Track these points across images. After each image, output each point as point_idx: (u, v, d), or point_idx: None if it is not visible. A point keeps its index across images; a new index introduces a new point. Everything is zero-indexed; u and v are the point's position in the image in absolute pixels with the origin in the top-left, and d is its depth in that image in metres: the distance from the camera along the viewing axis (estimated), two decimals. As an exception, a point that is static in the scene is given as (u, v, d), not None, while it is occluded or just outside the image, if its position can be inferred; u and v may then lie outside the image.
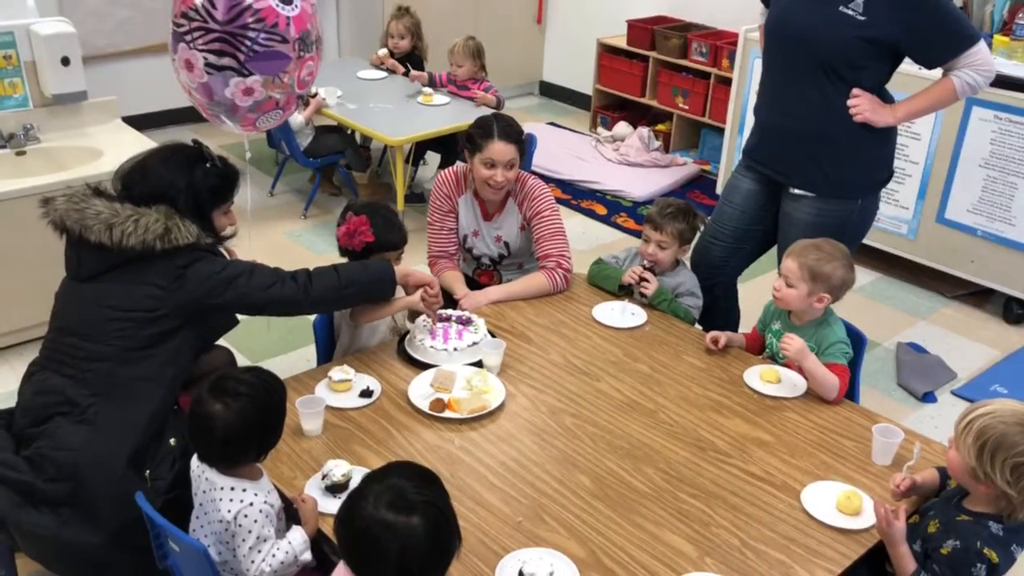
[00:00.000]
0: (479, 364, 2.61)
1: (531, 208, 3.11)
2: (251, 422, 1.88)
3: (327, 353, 2.85)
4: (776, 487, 2.21)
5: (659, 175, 5.62)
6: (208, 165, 2.38)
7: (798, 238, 2.86)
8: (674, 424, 2.42)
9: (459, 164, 3.25)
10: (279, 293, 2.42)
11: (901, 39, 2.72)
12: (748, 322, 3.37)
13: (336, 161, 5.07)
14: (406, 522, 1.49)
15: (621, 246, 5.11)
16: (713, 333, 2.74)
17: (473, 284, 3.22)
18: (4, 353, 3.65)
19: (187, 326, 2.33)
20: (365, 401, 2.44)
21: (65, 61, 3.80)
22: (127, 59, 5.76)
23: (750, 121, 5.03)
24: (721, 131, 5.61)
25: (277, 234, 4.84)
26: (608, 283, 3.06)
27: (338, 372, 2.48)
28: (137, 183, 2.32)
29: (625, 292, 3.03)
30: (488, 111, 4.87)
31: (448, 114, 4.91)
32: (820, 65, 2.78)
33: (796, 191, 2.94)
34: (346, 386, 2.48)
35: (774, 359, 2.72)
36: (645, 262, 3.01)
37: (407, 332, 2.74)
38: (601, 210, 5.23)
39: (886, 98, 2.87)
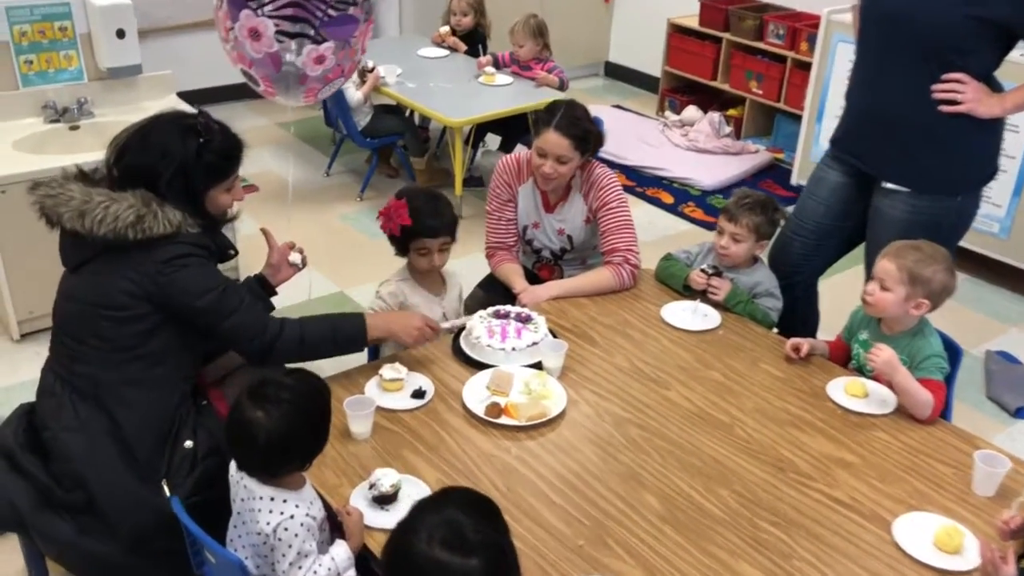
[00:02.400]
0: (538, 366, 2.44)
1: (597, 199, 2.91)
2: (294, 431, 1.73)
3: (377, 347, 2.70)
4: (864, 516, 1.99)
5: (730, 163, 5.36)
6: (202, 140, 2.11)
7: (888, 237, 2.63)
8: (751, 440, 2.22)
9: (521, 150, 3.06)
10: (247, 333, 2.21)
11: (1012, 18, 2.45)
12: (827, 326, 3.15)
13: (395, 142, 4.92)
14: (463, 564, 1.32)
15: (688, 238, 4.98)
16: (794, 340, 2.53)
17: (532, 279, 3.04)
18: (40, 336, 3.55)
19: (172, 324, 2.13)
20: (417, 402, 2.29)
21: (120, 34, 3.71)
22: (184, 33, 5.68)
23: (830, 108, 4.81)
24: (797, 118, 5.32)
25: (331, 217, 4.72)
26: (673, 282, 2.86)
27: (390, 370, 2.33)
28: (119, 161, 2.13)
29: (696, 292, 2.82)
30: (553, 93, 4.69)
31: (510, 95, 4.72)
32: (921, 48, 2.53)
33: (889, 186, 2.69)
34: (398, 385, 2.32)
35: (861, 371, 2.50)
36: (707, 266, 2.78)
37: (462, 328, 2.57)
38: (668, 199, 4.99)
39: (994, 86, 2.61)
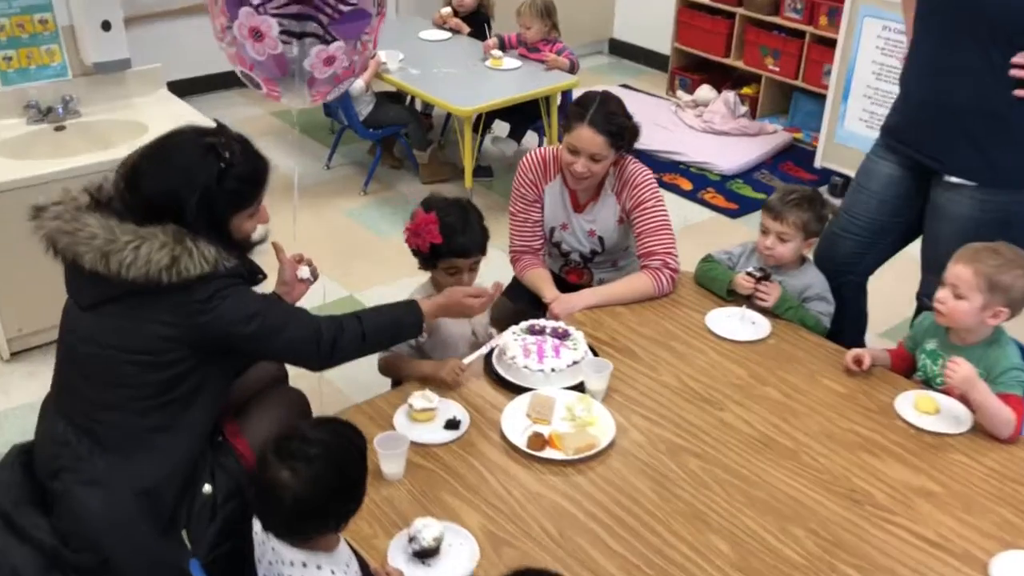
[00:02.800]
0: (580, 387, 2.23)
1: (632, 198, 2.69)
2: (326, 493, 1.52)
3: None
4: (956, 556, 1.81)
5: (747, 144, 5.13)
6: (224, 164, 1.88)
7: (951, 235, 2.43)
8: (821, 469, 2.02)
9: (546, 146, 2.84)
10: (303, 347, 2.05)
11: None
12: (873, 327, 2.96)
13: (398, 132, 4.68)
14: None
15: (710, 227, 4.77)
16: (856, 352, 2.32)
17: (560, 283, 2.83)
18: (32, 355, 3.34)
19: (207, 364, 1.95)
20: (452, 435, 2.08)
21: (106, 26, 3.45)
22: (173, 19, 5.39)
23: (857, 88, 4.56)
24: (816, 96, 5.11)
25: (335, 213, 4.48)
26: (716, 286, 2.65)
27: (419, 399, 2.12)
28: (138, 190, 1.89)
29: (740, 298, 2.61)
30: (563, 76, 4.45)
31: (519, 79, 4.48)
32: (990, 30, 2.30)
33: (952, 179, 2.48)
34: (429, 415, 2.12)
35: (928, 384, 2.30)
36: (754, 269, 2.57)
37: (493, 348, 2.36)
38: (686, 184, 4.77)
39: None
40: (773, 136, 5.25)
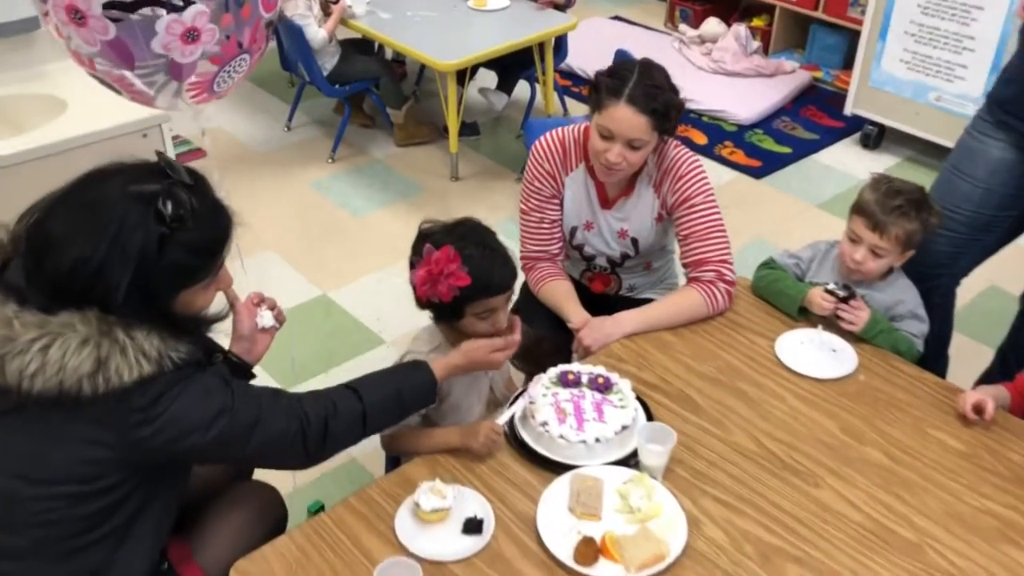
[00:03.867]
0: (629, 459, 1.73)
1: (675, 192, 2.15)
2: None
3: (397, 458, 1.96)
4: None
5: (763, 87, 4.56)
6: (168, 228, 1.34)
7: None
8: (955, 570, 1.55)
9: (564, 128, 2.27)
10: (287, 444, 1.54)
11: None
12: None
13: (368, 87, 4.05)
14: None
15: (734, 190, 4.03)
16: (976, 398, 1.83)
17: (581, 292, 2.30)
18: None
19: (152, 481, 1.45)
20: (473, 543, 1.57)
21: (3, -23, 2.79)
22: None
23: (897, 24, 3.90)
24: (837, 28, 4.54)
25: (299, 185, 3.88)
26: (783, 302, 2.13)
27: (429, 496, 1.60)
28: (46, 261, 1.34)
29: (814, 315, 2.10)
30: (557, 17, 3.83)
31: (508, 23, 3.86)
32: None
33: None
34: (441, 516, 1.61)
35: (1069, 434, 1.82)
36: (835, 286, 2.05)
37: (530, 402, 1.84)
38: (699, 138, 4.20)
39: None
40: (791, 76, 4.67)
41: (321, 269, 3.31)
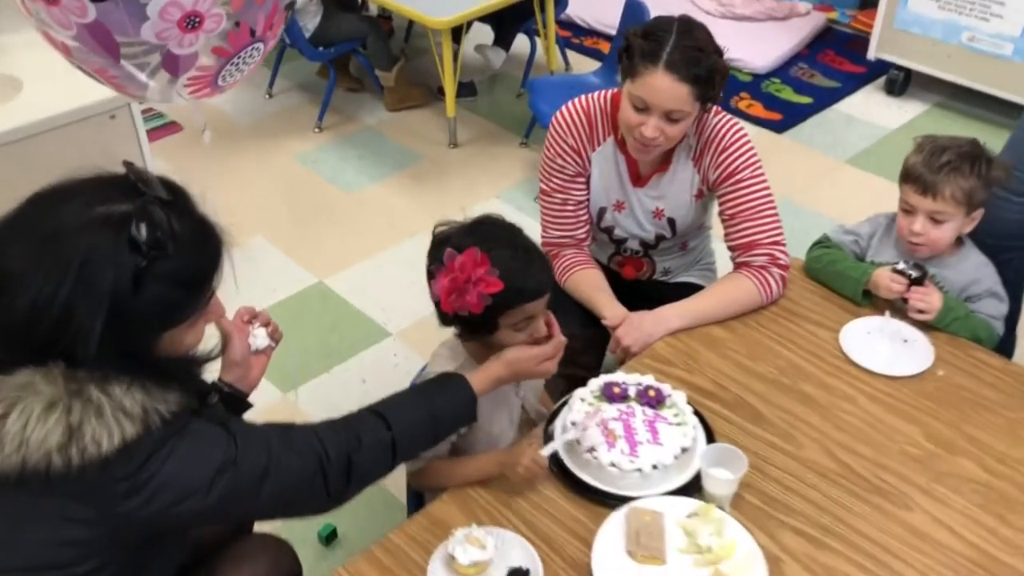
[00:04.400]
0: (690, 485, 1.50)
1: (719, 166, 1.90)
2: None
3: (421, 496, 1.73)
4: None
5: (776, 32, 4.26)
6: (145, 257, 1.09)
7: None
8: (1087, 615, 1.34)
9: (587, 97, 1.99)
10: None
11: None
12: None
13: (355, 48, 3.74)
14: None
15: (756, 144, 3.52)
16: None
17: (611, 280, 2.05)
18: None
19: (146, 549, 1.22)
20: (520, 601, 1.35)
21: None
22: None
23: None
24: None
25: (284, 159, 3.59)
26: (845, 287, 1.89)
27: (464, 546, 1.37)
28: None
29: (879, 298, 1.87)
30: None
31: (504, -28, 3.53)
32: None
33: None
34: (481, 569, 1.38)
35: None
36: (903, 266, 1.81)
37: (551, 432, 1.60)
38: (712, 92, 3.92)
39: None
40: (805, 19, 4.37)
41: (315, 254, 3.04)
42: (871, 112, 3.77)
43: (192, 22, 1.35)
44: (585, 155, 1.97)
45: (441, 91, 3.83)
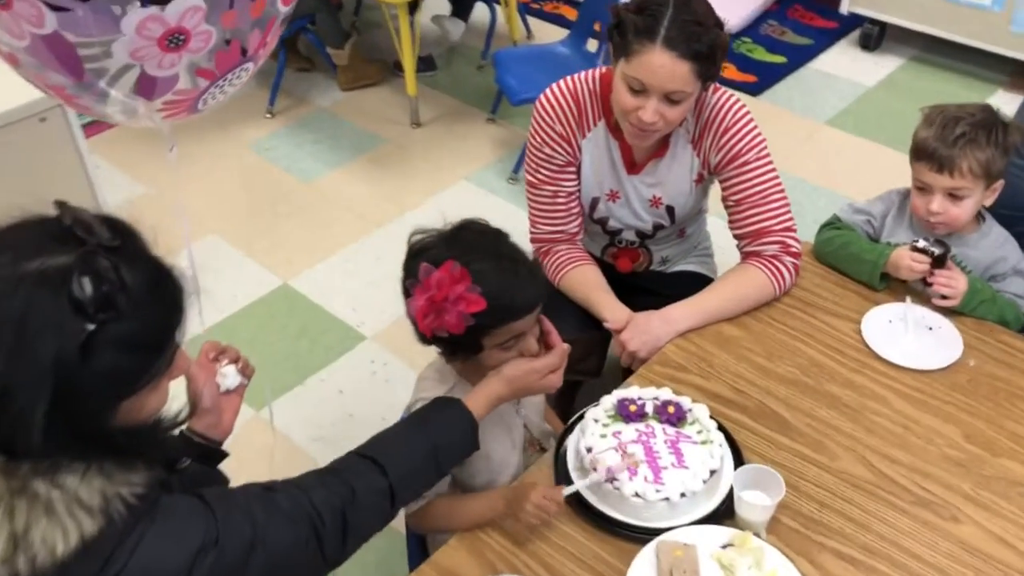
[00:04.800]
0: (720, 511, 1.37)
1: (722, 148, 1.74)
2: None
3: (423, 541, 1.57)
4: None
5: (745, -13, 4.09)
6: (93, 320, 0.90)
7: None
8: None
9: (574, 78, 1.82)
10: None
11: None
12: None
13: (303, 26, 3.50)
14: None
15: None
16: None
17: (605, 273, 1.89)
18: None
19: None
20: (547, 660, 1.21)
21: None
22: None
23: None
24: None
25: (237, 147, 3.35)
26: (861, 270, 1.76)
27: (481, 604, 1.22)
28: None
29: (897, 282, 1.75)
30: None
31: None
32: None
33: None
34: (501, 627, 1.23)
35: None
36: (925, 242, 1.69)
37: (563, 460, 1.45)
38: (682, 55, 3.75)
39: None
40: (771, -27, 4.20)
41: (276, 252, 2.84)
42: (847, 69, 3.64)
43: (175, 40, 1.15)
44: (575, 142, 1.80)
45: (398, 67, 3.62)
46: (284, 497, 1.13)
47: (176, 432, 1.15)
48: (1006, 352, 1.64)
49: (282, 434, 2.22)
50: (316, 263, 2.78)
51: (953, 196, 1.69)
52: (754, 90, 3.50)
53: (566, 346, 1.44)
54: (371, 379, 2.38)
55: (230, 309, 2.58)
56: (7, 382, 0.87)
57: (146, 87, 1.21)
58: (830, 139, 3.25)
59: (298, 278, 2.74)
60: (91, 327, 0.90)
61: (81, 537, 0.91)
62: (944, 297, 1.67)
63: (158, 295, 0.98)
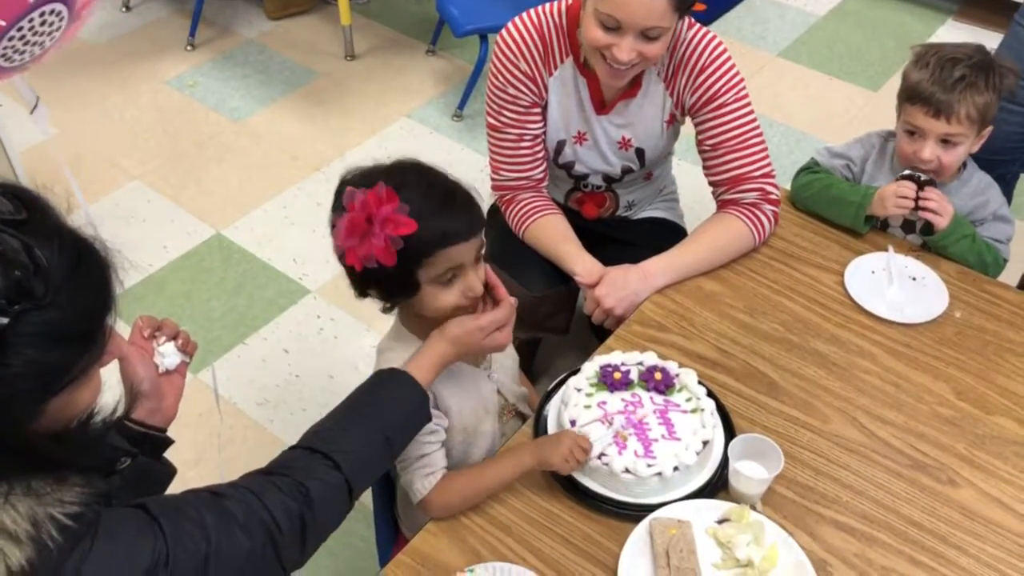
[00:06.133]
0: (713, 483, 1.29)
1: (697, 89, 1.62)
2: None
3: (395, 521, 1.45)
4: None
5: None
6: (8, 305, 0.76)
7: None
8: None
9: (538, 11, 1.66)
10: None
11: None
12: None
13: (223, -52, 3.21)
14: None
15: None
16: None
17: (570, 220, 1.78)
18: None
19: None
20: (541, 656, 1.13)
21: None
22: None
23: None
24: None
25: (154, 84, 3.08)
26: (844, 213, 1.69)
27: (471, 596, 1.13)
28: None
29: (878, 227, 1.69)
30: None
31: None
32: None
33: None
34: (490, 622, 1.14)
35: None
36: (912, 172, 1.63)
37: (544, 431, 1.35)
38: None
39: None
40: None
41: (207, 199, 2.62)
42: (798, -4, 3.54)
43: None
44: (541, 81, 1.65)
45: (328, -7, 3.38)
46: (236, 505, 1.00)
47: (119, 448, 1.01)
48: (992, 303, 1.59)
49: (224, 398, 2.06)
50: (251, 210, 2.58)
51: (946, 142, 1.61)
52: (703, 19, 3.35)
53: (513, 300, 1.30)
54: (317, 336, 2.23)
55: (159, 262, 2.38)
56: None
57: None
58: (784, 70, 3.16)
59: (232, 227, 2.53)
60: (3, 321, 0.75)
61: (8, 571, 0.77)
62: (934, 213, 1.59)
63: (81, 274, 0.82)
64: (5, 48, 1.13)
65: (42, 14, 1.14)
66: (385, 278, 1.19)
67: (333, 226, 1.20)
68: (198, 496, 1.00)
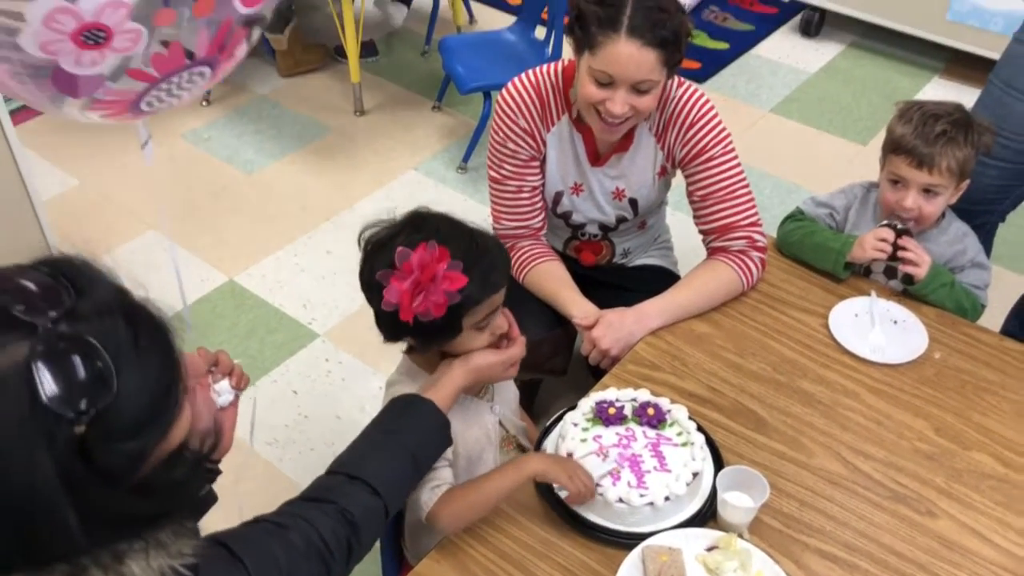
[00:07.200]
0: (703, 513, 1.36)
1: (687, 143, 1.72)
2: None
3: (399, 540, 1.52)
4: None
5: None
6: (78, 414, 0.71)
7: None
8: None
9: (535, 72, 1.77)
10: None
11: None
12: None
13: (239, 9, 3.36)
14: None
15: None
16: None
17: (568, 267, 1.87)
18: None
19: None
20: (539, 676, 1.19)
21: None
22: None
23: None
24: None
25: (171, 138, 3.21)
26: (825, 259, 1.77)
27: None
28: None
29: (859, 274, 1.77)
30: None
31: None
32: None
33: None
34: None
35: None
36: (892, 222, 1.73)
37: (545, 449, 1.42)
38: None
39: None
40: (711, -42, 4.21)
41: (220, 248, 2.73)
42: (789, 55, 3.67)
43: (93, 37, 1.06)
44: (539, 137, 1.76)
45: (338, 52, 3.52)
46: (297, 536, 1.09)
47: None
48: (970, 344, 1.67)
49: (237, 437, 2.13)
50: (263, 258, 2.68)
51: (928, 192, 1.70)
52: (699, 77, 3.51)
53: (522, 338, 1.43)
54: (325, 379, 2.31)
55: (175, 308, 2.47)
56: (15, 522, 0.72)
57: (65, 82, 1.12)
58: (775, 126, 3.28)
59: (244, 274, 2.63)
60: (80, 430, 0.72)
61: None
62: (913, 264, 1.68)
63: (148, 350, 0.78)
64: (151, 97, 1.24)
65: (191, 73, 1.26)
66: (431, 326, 1.29)
67: (372, 286, 1.29)
68: (265, 530, 1.08)
